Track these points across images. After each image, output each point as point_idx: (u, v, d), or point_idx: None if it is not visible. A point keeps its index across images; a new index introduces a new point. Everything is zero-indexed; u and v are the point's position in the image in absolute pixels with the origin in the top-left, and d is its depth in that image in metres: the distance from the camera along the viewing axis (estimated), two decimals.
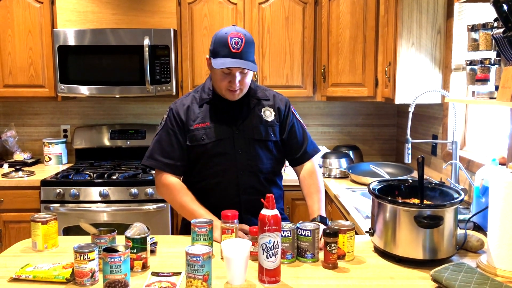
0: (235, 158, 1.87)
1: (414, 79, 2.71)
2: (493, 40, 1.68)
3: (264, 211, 1.39)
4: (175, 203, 1.91)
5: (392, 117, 3.67)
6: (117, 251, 1.34)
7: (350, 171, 3.01)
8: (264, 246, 1.38)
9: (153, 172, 3.10)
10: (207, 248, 1.35)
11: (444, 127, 2.77)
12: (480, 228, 1.83)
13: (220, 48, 1.76)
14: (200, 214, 1.79)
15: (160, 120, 1.96)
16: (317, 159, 2.09)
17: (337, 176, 3.10)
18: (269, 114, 1.93)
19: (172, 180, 1.89)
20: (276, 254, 1.38)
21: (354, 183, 2.95)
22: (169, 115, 1.92)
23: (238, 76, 1.79)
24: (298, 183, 2.04)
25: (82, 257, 1.36)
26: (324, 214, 1.87)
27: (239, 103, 1.90)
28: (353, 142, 3.64)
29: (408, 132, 2.49)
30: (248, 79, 1.85)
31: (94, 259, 1.37)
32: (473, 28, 1.80)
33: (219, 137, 1.87)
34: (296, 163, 2.03)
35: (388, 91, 2.83)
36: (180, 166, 1.90)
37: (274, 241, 1.38)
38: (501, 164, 2.03)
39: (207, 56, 1.85)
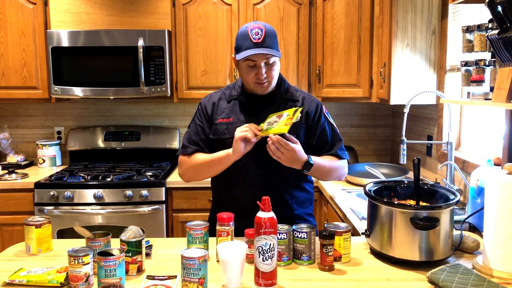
0: (256, 157, 1.84)
1: (409, 80, 2.71)
2: (488, 41, 1.69)
3: (260, 214, 1.38)
4: (198, 171, 1.93)
5: (387, 118, 3.68)
6: (112, 254, 1.33)
7: None
8: (260, 249, 1.37)
9: (148, 174, 3.11)
10: (202, 251, 1.34)
11: (439, 128, 2.77)
12: (476, 229, 1.83)
13: (242, 42, 1.80)
14: (218, 155, 1.85)
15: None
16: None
17: None
18: None
19: (184, 156, 1.94)
20: (272, 257, 1.38)
21: (349, 184, 2.95)
22: (198, 109, 2.00)
23: (263, 67, 1.81)
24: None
25: (76, 261, 1.34)
26: (313, 161, 1.81)
27: (265, 102, 1.91)
28: (348, 142, 3.63)
29: (403, 133, 2.49)
30: (275, 72, 1.86)
31: (88, 263, 1.36)
32: (468, 29, 1.81)
33: None
34: None
35: (383, 92, 2.83)
36: (204, 150, 1.93)
37: (270, 244, 1.37)
38: (496, 164, 2.03)
39: (233, 55, 1.88)
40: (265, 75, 1.82)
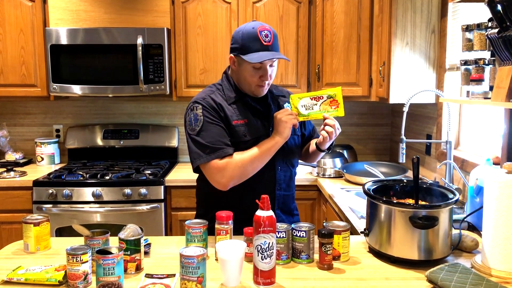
0: (275, 155, 1.82)
1: (408, 79, 2.71)
2: (487, 40, 1.68)
3: (259, 212, 1.38)
4: (247, 170, 1.75)
5: (386, 117, 3.68)
6: (111, 253, 1.33)
7: (345, 170, 3.01)
8: (259, 247, 1.37)
9: (147, 172, 3.10)
10: (201, 249, 1.34)
11: (438, 127, 2.77)
12: (475, 228, 1.83)
13: (251, 43, 1.74)
14: (266, 145, 1.76)
15: (190, 124, 1.79)
16: None
17: (332, 176, 3.09)
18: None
19: (224, 160, 1.73)
20: (271, 256, 1.38)
21: (348, 182, 2.95)
22: (205, 109, 1.78)
23: (268, 70, 1.79)
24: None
25: (75, 259, 1.34)
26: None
27: (265, 101, 1.90)
28: (348, 141, 3.63)
29: (403, 132, 2.49)
30: (275, 73, 1.85)
31: (87, 261, 1.35)
32: (468, 28, 1.80)
33: (258, 134, 1.83)
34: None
35: (383, 91, 2.83)
36: (231, 149, 1.77)
37: (269, 243, 1.37)
38: (495, 164, 2.04)
39: (232, 54, 1.81)
40: (269, 77, 1.81)
